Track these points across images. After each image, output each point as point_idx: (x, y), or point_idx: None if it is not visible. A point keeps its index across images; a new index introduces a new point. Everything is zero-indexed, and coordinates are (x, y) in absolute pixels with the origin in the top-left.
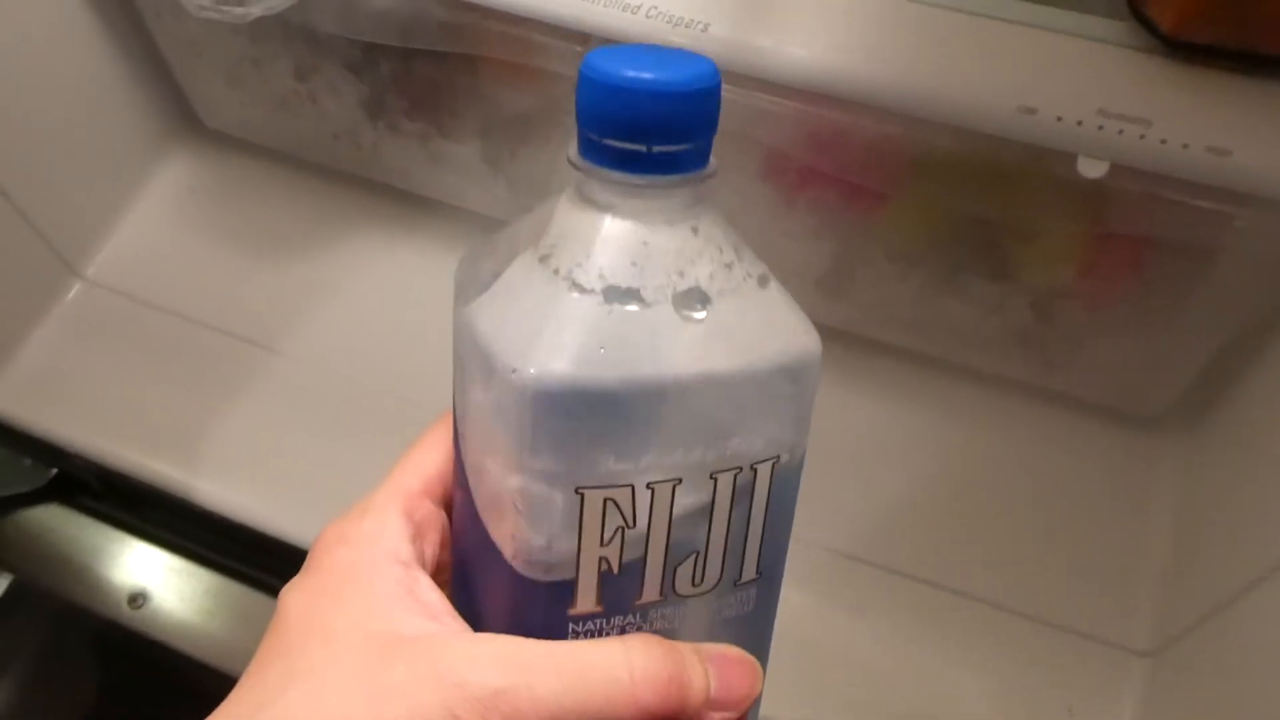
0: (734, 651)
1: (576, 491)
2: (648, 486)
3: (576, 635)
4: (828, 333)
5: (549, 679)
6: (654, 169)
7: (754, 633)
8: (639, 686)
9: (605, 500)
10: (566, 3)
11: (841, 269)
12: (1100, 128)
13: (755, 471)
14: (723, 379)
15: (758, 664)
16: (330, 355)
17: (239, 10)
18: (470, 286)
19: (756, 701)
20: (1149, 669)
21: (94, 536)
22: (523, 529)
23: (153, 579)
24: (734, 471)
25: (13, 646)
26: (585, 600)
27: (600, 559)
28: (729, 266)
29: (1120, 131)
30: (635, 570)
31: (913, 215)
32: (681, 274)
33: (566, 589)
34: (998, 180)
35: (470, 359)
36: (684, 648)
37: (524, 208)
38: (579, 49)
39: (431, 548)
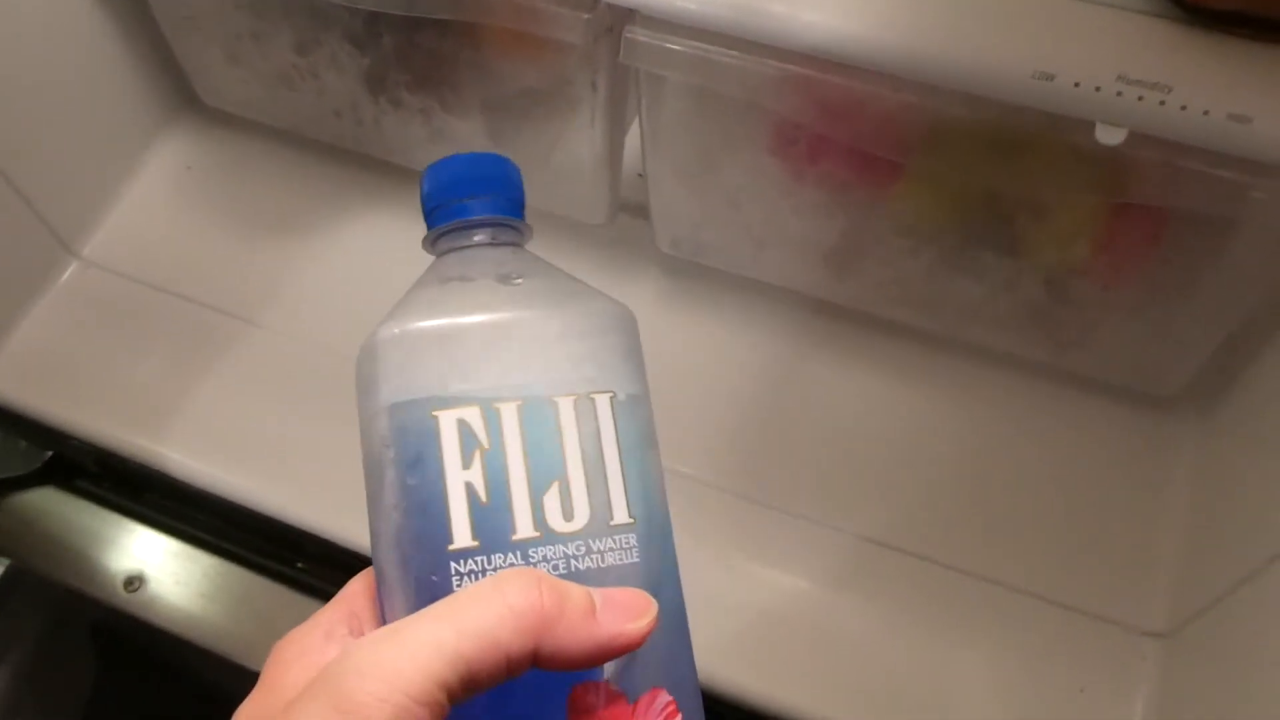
0: (617, 588)
1: (431, 415)
2: (494, 407)
3: (460, 580)
4: (836, 311)
5: (418, 634)
6: (461, 215)
7: (646, 587)
8: (518, 611)
9: (459, 421)
10: None
11: (851, 245)
12: (1119, 94)
13: (594, 402)
14: (543, 319)
15: (645, 594)
16: (330, 335)
17: None
18: None
19: (683, 674)
20: (1162, 650)
21: (90, 519)
22: (398, 471)
23: (149, 562)
24: (571, 398)
25: (10, 630)
26: (460, 533)
27: (466, 485)
28: (546, 273)
29: (1139, 98)
30: (503, 498)
31: (924, 189)
32: (501, 265)
33: (442, 525)
34: (1013, 150)
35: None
36: (559, 580)
37: (525, 186)
38: (586, 16)
39: (370, 627)
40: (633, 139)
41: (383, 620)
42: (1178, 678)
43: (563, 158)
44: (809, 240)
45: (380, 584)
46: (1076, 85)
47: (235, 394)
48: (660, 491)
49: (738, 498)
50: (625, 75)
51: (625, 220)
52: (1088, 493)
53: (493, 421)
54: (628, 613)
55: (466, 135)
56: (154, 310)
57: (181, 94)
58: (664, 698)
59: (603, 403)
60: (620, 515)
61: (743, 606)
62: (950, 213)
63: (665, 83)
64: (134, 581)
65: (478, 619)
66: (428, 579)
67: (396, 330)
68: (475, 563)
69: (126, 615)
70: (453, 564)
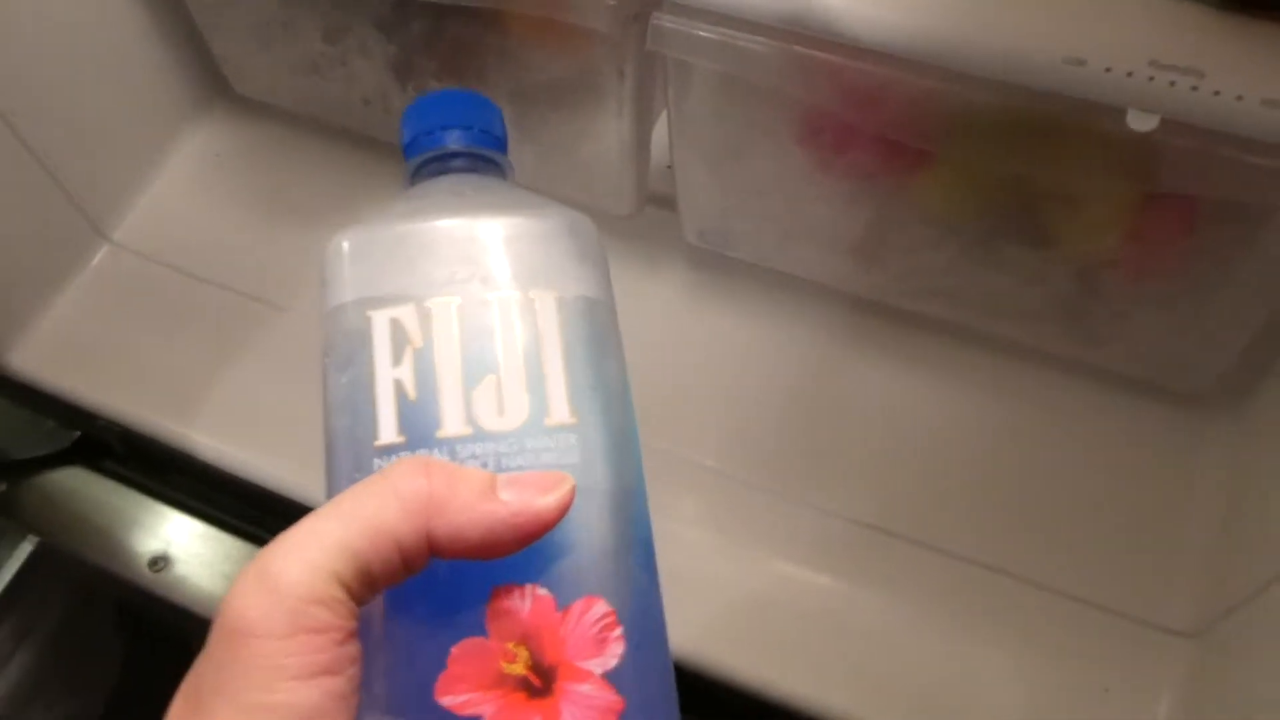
0: (531, 472)
1: (365, 315)
2: (426, 305)
3: None
4: (861, 304)
5: (300, 534)
6: (434, 143)
7: (589, 494)
8: (403, 494)
9: (391, 320)
10: None
11: (876, 236)
12: (1151, 79)
13: (534, 300)
14: (480, 223)
15: (560, 472)
16: None
17: None
18: None
19: (633, 594)
20: (1190, 650)
21: (116, 500)
22: (331, 371)
23: (174, 543)
24: (511, 295)
25: (37, 608)
26: (387, 429)
27: (395, 382)
28: (507, 188)
29: (1172, 83)
30: (431, 393)
31: (952, 178)
32: (461, 185)
33: (369, 421)
34: (1042, 137)
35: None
36: (460, 465)
37: (552, 176)
38: (612, 3)
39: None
40: (660, 130)
41: None
42: (1205, 678)
43: (590, 148)
44: (835, 231)
45: (325, 482)
46: (1108, 71)
47: (261, 377)
48: (617, 397)
49: (761, 491)
50: (652, 64)
51: (653, 212)
52: (1116, 489)
53: (426, 319)
54: (536, 488)
55: None
56: (182, 294)
57: (212, 82)
58: (600, 607)
59: (546, 302)
60: (559, 414)
61: (764, 600)
62: (977, 202)
63: (692, 71)
64: (159, 562)
65: (362, 508)
66: (353, 476)
67: (340, 240)
68: (399, 457)
69: (152, 595)
70: (376, 460)
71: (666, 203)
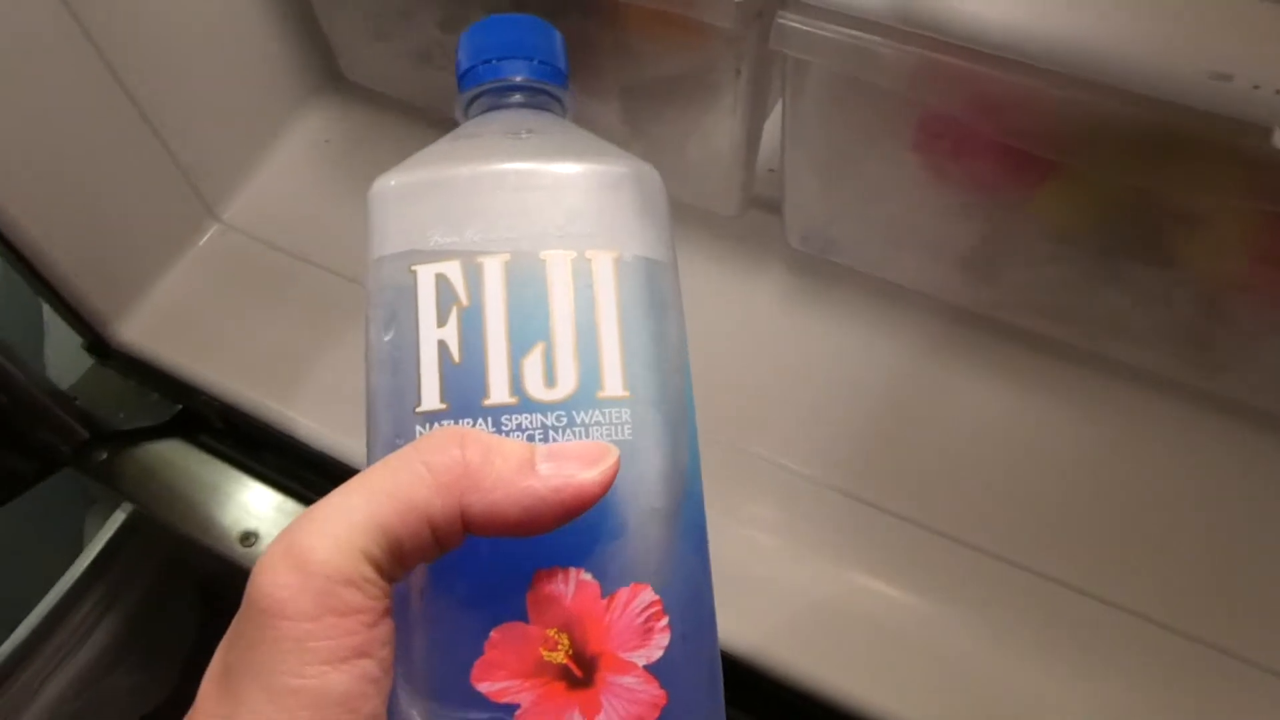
0: (574, 442)
1: (410, 270)
2: (476, 260)
3: None
4: (969, 317)
5: (330, 509)
6: (491, 76)
7: (641, 474)
8: (435, 468)
9: (437, 276)
10: None
11: (990, 249)
12: None
13: (591, 260)
14: (537, 170)
15: (605, 444)
16: None
17: None
18: None
19: (684, 581)
20: None
21: (212, 474)
22: (373, 328)
23: (266, 519)
24: (566, 255)
25: (126, 577)
26: (429, 394)
27: (439, 344)
28: (566, 129)
29: None
30: (477, 358)
31: (1075, 191)
32: (517, 124)
33: (411, 385)
34: (1178, 153)
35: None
36: (497, 436)
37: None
38: (738, 1)
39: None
40: (765, 132)
41: None
42: None
43: (700, 146)
44: (947, 242)
45: (367, 445)
46: (1256, 88)
47: (361, 360)
48: (675, 370)
49: (851, 499)
50: (769, 63)
51: (755, 214)
52: (1226, 522)
53: (474, 277)
54: (578, 461)
55: (602, 118)
56: (287, 275)
57: (325, 68)
58: (647, 595)
59: (603, 262)
60: (613, 387)
61: (847, 611)
62: (1100, 217)
63: (809, 71)
64: (250, 537)
65: (393, 482)
66: (392, 441)
67: (389, 182)
68: (441, 427)
69: (241, 570)
70: (418, 427)
71: (768, 205)
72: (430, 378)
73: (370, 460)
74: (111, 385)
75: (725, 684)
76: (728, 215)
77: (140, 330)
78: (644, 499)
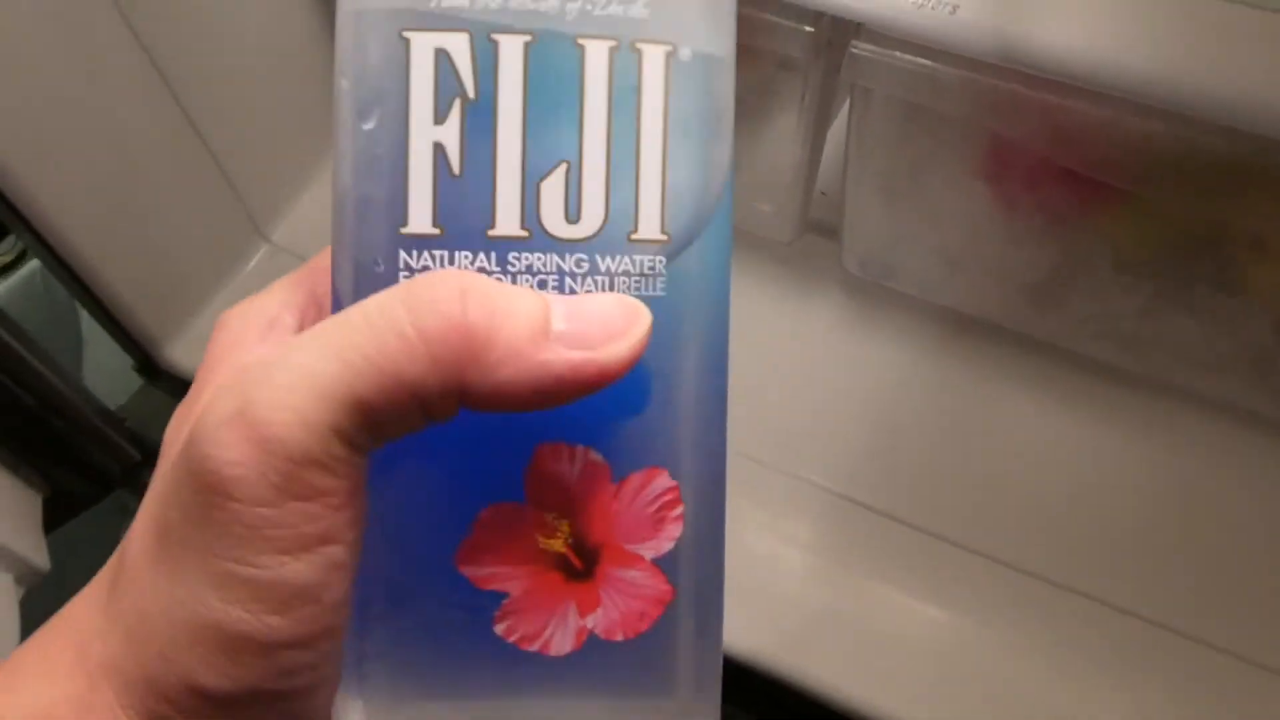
0: (594, 294)
1: (401, 36)
2: (490, 38)
3: (409, 277)
4: (1030, 344)
5: (294, 370)
6: None
7: (671, 343)
8: (428, 333)
9: (437, 51)
10: None
11: (1060, 277)
12: None
13: (640, 54)
14: None
15: (635, 301)
16: None
17: None
18: None
19: (702, 467)
20: None
21: None
22: (347, 108)
23: None
24: (608, 44)
25: None
26: (419, 213)
27: (435, 146)
28: None
29: None
30: (483, 174)
31: (1147, 219)
32: None
33: (396, 196)
34: (1256, 183)
35: None
36: (506, 285)
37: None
38: (809, 30)
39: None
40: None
41: (334, 308)
42: None
43: (758, 171)
44: (1011, 269)
45: (331, 261)
46: None
47: None
48: (723, 209)
49: (908, 527)
50: (833, 89)
51: (810, 239)
52: None
53: (485, 59)
54: (601, 331)
55: None
56: None
57: None
58: (662, 481)
59: (654, 57)
60: (649, 227)
61: (903, 636)
62: (1171, 245)
63: (874, 97)
64: None
65: (374, 345)
66: (370, 266)
67: None
68: (433, 257)
69: None
70: (402, 253)
71: (823, 229)
72: (421, 190)
73: (336, 284)
74: (160, 406)
75: (767, 695)
76: (784, 240)
77: (190, 351)
78: (671, 372)
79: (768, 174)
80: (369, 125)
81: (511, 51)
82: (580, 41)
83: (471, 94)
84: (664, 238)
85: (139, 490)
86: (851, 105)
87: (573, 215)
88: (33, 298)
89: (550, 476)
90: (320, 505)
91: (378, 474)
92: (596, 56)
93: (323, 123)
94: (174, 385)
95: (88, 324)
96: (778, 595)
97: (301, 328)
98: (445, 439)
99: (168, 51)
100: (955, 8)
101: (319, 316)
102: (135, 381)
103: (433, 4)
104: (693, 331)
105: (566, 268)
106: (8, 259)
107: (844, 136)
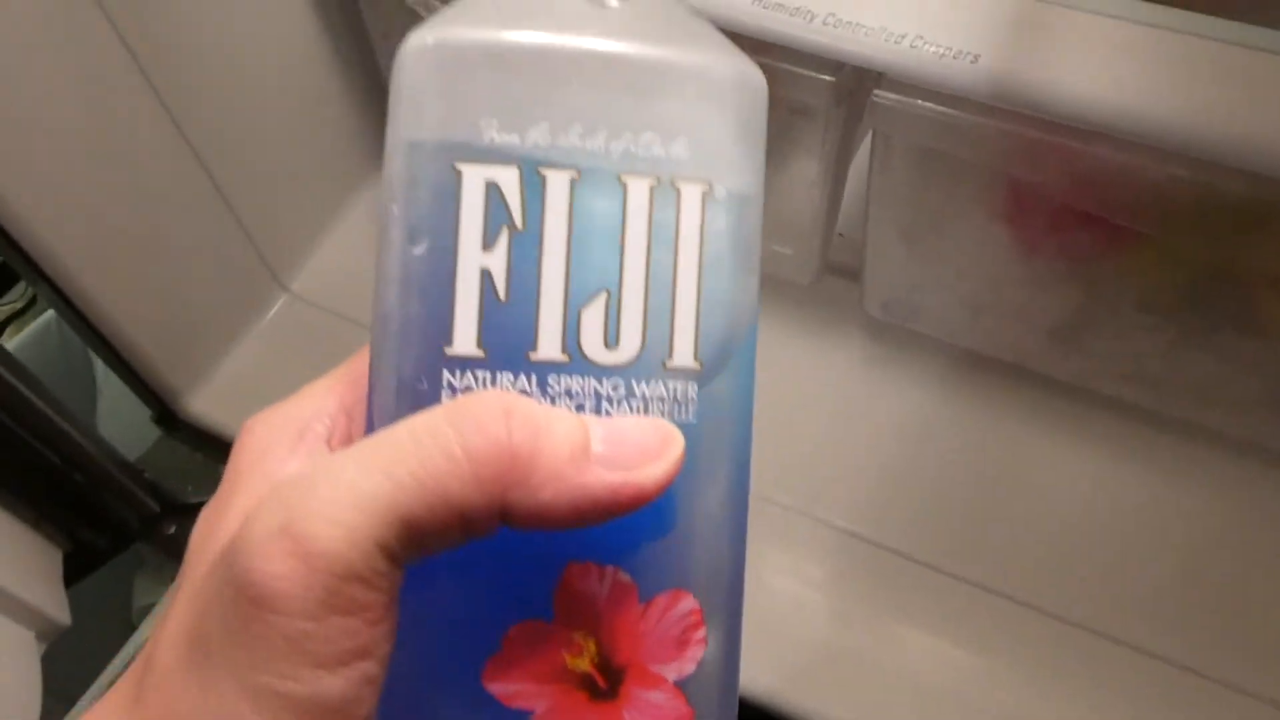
0: (633, 417)
1: (454, 168)
2: (539, 172)
3: (452, 397)
4: (1052, 385)
5: (341, 485)
6: None
7: (700, 468)
8: (475, 454)
9: (487, 183)
10: (826, 31)
11: (1082, 319)
12: None
13: (678, 191)
14: (629, 59)
15: (669, 425)
16: None
17: None
18: None
19: (723, 587)
20: None
21: None
22: (402, 232)
23: None
24: (649, 181)
25: None
26: (464, 335)
27: (482, 272)
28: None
29: None
30: (527, 299)
31: (1169, 260)
32: None
33: (442, 318)
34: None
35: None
36: (548, 407)
37: None
38: (830, 79)
39: (361, 432)
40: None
41: (369, 423)
42: None
43: (778, 214)
44: (1034, 311)
45: (370, 374)
46: None
47: None
48: (748, 337)
49: (932, 571)
50: (853, 135)
51: (829, 280)
52: None
53: (534, 194)
54: (637, 454)
55: None
56: (355, 345)
57: None
58: (687, 603)
59: (691, 195)
60: (682, 355)
61: (925, 678)
62: (1195, 287)
63: (895, 143)
64: None
65: (420, 464)
66: (413, 385)
67: (430, 39)
68: (475, 378)
69: None
70: (446, 373)
71: (841, 271)
72: (467, 314)
73: (376, 398)
74: (179, 458)
75: None
76: (804, 283)
77: (209, 403)
78: (698, 495)
79: (787, 217)
80: (419, 250)
81: (558, 186)
82: (623, 179)
83: (519, 224)
84: (696, 366)
85: (157, 543)
86: (873, 151)
87: (611, 342)
88: (48, 348)
89: (579, 595)
90: (360, 620)
91: (408, 587)
92: (638, 193)
93: (340, 172)
94: (192, 436)
95: (103, 373)
96: (797, 637)
97: (332, 438)
98: (478, 554)
99: (184, 103)
100: (977, 57)
101: (349, 427)
102: (152, 431)
103: (485, 139)
104: (720, 455)
105: (604, 392)
106: (17, 306)
107: (862, 177)
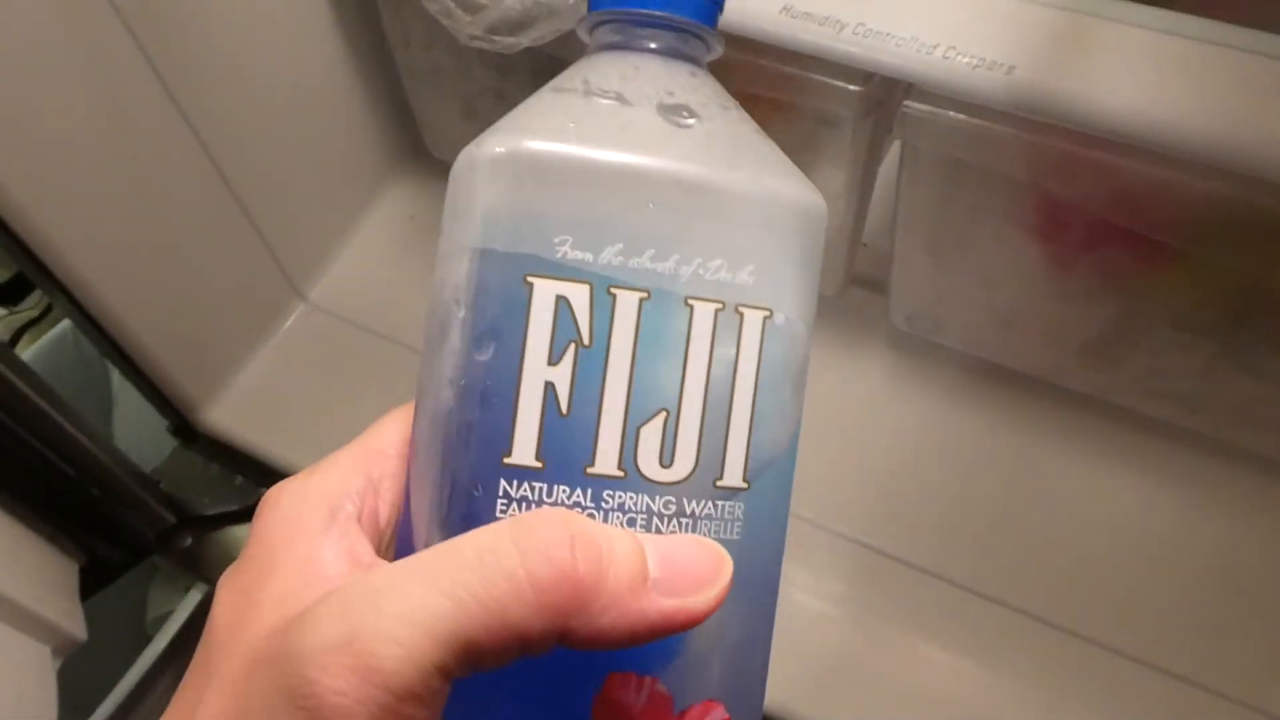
0: (685, 536)
1: (525, 281)
2: (610, 291)
3: (507, 507)
4: (1081, 401)
5: (405, 603)
6: (649, 3)
7: (740, 582)
8: (540, 582)
9: (558, 299)
10: (856, 41)
11: (1115, 335)
12: None
13: (741, 317)
14: (706, 184)
15: (720, 548)
16: None
17: (509, 39)
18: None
19: (751, 692)
20: None
21: None
22: (465, 338)
23: None
24: (715, 305)
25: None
26: (524, 446)
27: (546, 386)
28: (725, 108)
29: None
30: (589, 414)
31: (1210, 278)
32: (671, 94)
33: (503, 427)
34: None
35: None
36: (606, 527)
37: None
38: (858, 89)
39: (388, 507)
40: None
41: (406, 512)
42: None
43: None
44: (1064, 327)
45: (413, 465)
46: None
47: None
48: (792, 455)
49: (959, 589)
50: (880, 146)
51: (854, 291)
52: None
53: (603, 312)
54: (691, 580)
55: None
56: (373, 355)
57: (409, 146)
58: (719, 714)
59: (753, 321)
60: (732, 475)
61: (949, 700)
62: (1232, 304)
63: (924, 155)
64: None
65: (484, 587)
66: (468, 489)
67: (506, 147)
68: (532, 489)
69: None
70: (503, 482)
71: (866, 283)
72: (528, 425)
73: (425, 500)
74: (195, 469)
75: None
76: (828, 295)
77: (226, 414)
78: (736, 607)
79: None
80: (483, 357)
81: (627, 306)
82: (690, 301)
83: (586, 340)
84: (744, 485)
85: (172, 555)
86: (901, 163)
87: (667, 460)
88: (64, 359)
89: (618, 704)
90: None
91: (454, 695)
92: (703, 317)
93: (358, 181)
94: (209, 448)
95: (118, 385)
96: (815, 650)
97: (361, 514)
98: (524, 663)
99: (203, 112)
100: (1011, 68)
101: (377, 503)
102: (167, 442)
103: (558, 255)
104: (758, 568)
105: (655, 508)
106: (33, 314)
107: (886, 186)
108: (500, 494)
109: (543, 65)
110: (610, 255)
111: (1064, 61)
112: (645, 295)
